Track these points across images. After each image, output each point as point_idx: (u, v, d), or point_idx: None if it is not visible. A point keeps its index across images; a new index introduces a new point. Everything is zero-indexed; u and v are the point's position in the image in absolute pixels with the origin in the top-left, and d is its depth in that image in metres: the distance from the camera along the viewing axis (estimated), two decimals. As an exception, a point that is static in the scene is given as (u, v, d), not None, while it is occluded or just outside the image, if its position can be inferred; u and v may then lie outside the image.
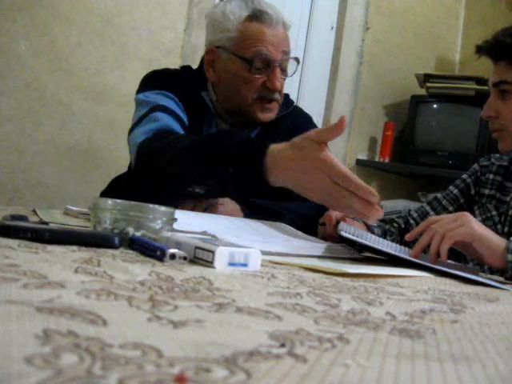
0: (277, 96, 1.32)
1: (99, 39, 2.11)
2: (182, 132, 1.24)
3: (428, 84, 2.80)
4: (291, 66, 1.35)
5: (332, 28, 2.79)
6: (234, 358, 0.29)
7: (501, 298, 0.69)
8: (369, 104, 2.90)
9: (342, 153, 2.80)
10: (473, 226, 0.95)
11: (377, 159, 2.92)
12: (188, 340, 0.32)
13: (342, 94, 2.79)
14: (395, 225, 1.32)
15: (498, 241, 0.96)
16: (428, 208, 1.35)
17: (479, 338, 0.43)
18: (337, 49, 2.78)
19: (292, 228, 1.15)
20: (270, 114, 1.34)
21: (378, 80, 2.92)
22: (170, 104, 1.29)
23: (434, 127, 2.80)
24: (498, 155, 1.35)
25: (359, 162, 2.86)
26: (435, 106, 2.85)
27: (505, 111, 1.15)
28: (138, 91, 1.37)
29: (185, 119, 1.30)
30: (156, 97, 1.30)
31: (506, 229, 1.20)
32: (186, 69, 1.45)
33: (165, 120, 1.23)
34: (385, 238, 1.24)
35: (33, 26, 1.98)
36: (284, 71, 1.32)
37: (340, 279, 0.68)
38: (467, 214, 0.97)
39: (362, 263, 0.93)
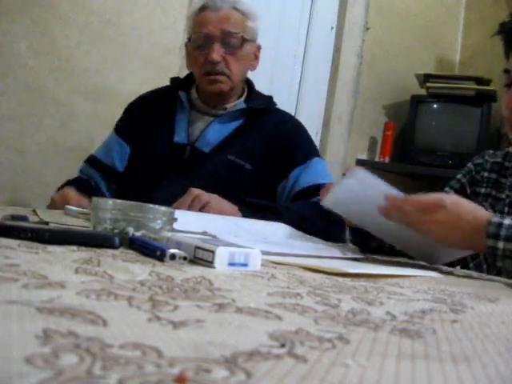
0: (219, 68, 1.47)
1: (99, 39, 2.11)
2: (96, 173, 1.59)
3: (428, 84, 2.80)
4: (241, 42, 1.50)
5: (332, 28, 2.79)
6: (234, 358, 0.29)
7: (501, 298, 0.69)
8: (369, 104, 2.90)
9: (342, 153, 2.80)
10: (434, 231, 0.93)
11: (377, 159, 2.92)
12: (188, 340, 0.32)
13: (342, 94, 2.78)
14: None
15: (469, 228, 0.92)
16: None
17: (479, 337, 0.43)
18: (337, 49, 2.78)
19: (293, 228, 1.15)
20: (217, 86, 1.48)
21: (378, 80, 2.92)
22: (103, 150, 1.61)
23: (434, 127, 2.80)
24: (491, 151, 1.32)
25: (359, 162, 2.86)
26: (435, 105, 2.86)
27: None
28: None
29: (114, 162, 1.58)
30: (104, 144, 1.64)
31: None
32: (172, 79, 1.67)
33: (84, 172, 1.60)
34: None
35: (33, 26, 1.98)
36: (229, 47, 1.47)
37: (340, 279, 0.68)
38: (441, 209, 0.94)
39: (362, 263, 0.93)
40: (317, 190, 1.37)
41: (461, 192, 1.31)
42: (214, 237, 0.86)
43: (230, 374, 0.27)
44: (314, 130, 2.76)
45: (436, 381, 0.30)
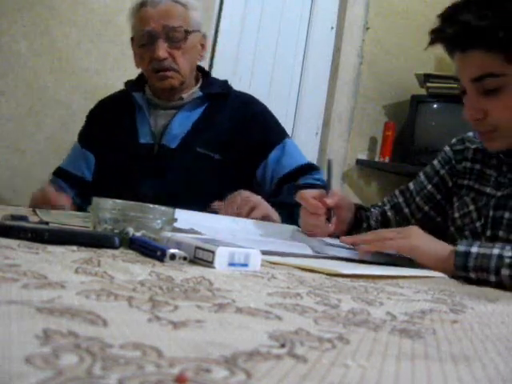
0: (166, 64, 1.45)
1: (99, 39, 2.11)
2: (65, 184, 1.57)
3: (428, 84, 2.80)
4: (185, 36, 1.46)
5: (332, 28, 2.79)
6: (234, 358, 0.29)
7: (501, 298, 0.69)
8: (369, 104, 2.90)
9: (342, 153, 2.80)
10: (411, 240, 0.90)
11: (377, 159, 2.92)
12: (188, 340, 0.32)
13: (342, 94, 2.78)
14: (372, 215, 1.24)
15: (441, 250, 0.89)
16: (401, 200, 1.21)
17: (479, 337, 0.43)
18: (337, 49, 2.78)
19: (293, 228, 1.14)
20: (167, 82, 1.47)
21: (378, 80, 2.92)
22: (69, 161, 1.61)
23: (434, 127, 2.80)
24: (471, 134, 1.17)
25: (359, 162, 2.86)
26: (435, 105, 2.85)
27: (496, 110, 0.95)
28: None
29: (83, 172, 1.58)
30: (69, 155, 1.64)
31: (488, 232, 1.03)
32: (126, 83, 1.65)
33: (54, 183, 1.56)
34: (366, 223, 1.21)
35: (33, 26, 1.98)
36: (173, 42, 1.45)
37: (340, 279, 0.68)
38: (412, 228, 0.94)
39: (362, 264, 0.93)
40: (298, 171, 1.49)
41: (441, 185, 1.17)
42: (199, 233, 0.86)
43: (229, 374, 0.27)
44: (313, 130, 2.76)
45: (436, 381, 0.30)
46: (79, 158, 1.60)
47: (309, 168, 1.54)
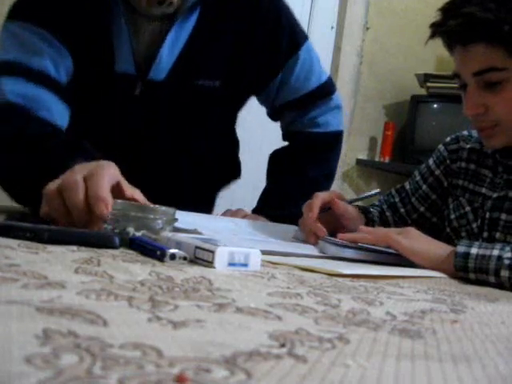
0: None
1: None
2: (40, 90, 0.95)
3: (428, 84, 2.80)
4: None
5: (332, 28, 2.79)
6: (234, 358, 0.29)
7: (501, 298, 0.69)
8: (369, 104, 2.90)
9: (343, 153, 2.80)
10: (409, 242, 0.89)
11: (377, 159, 2.92)
12: (188, 340, 0.32)
13: (342, 94, 2.78)
14: (374, 217, 1.22)
15: (439, 251, 0.89)
16: (397, 200, 1.20)
17: (479, 337, 0.43)
18: (337, 49, 2.78)
19: (294, 228, 1.14)
20: (161, 7, 1.01)
21: (378, 80, 2.92)
22: (24, 54, 0.98)
23: (434, 127, 2.80)
24: (465, 133, 1.13)
25: (359, 162, 2.86)
26: (435, 105, 2.85)
27: (498, 104, 0.93)
28: (10, 15, 1.03)
29: (47, 67, 0.99)
30: (17, 41, 0.99)
31: (485, 234, 1.02)
32: None
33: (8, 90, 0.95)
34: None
35: (33, 26, 1.98)
36: None
37: (340, 279, 0.68)
38: (409, 230, 0.93)
39: (362, 264, 0.93)
40: (309, 99, 1.24)
41: (436, 185, 1.15)
42: (200, 233, 0.86)
43: (229, 374, 0.27)
44: (314, 129, 2.76)
45: (436, 381, 0.30)
46: (50, 53, 1.00)
47: (319, 94, 1.28)
